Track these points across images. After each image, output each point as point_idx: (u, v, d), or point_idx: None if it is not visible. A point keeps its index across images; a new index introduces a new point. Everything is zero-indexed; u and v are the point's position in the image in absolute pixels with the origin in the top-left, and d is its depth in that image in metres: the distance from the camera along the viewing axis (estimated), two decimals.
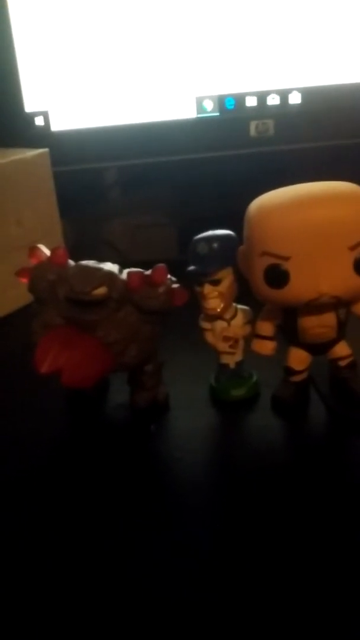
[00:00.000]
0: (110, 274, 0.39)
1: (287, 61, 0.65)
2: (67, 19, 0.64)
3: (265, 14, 0.63)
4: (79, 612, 0.29)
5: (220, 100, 0.66)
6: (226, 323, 0.42)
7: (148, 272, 0.39)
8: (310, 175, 0.39)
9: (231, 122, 0.67)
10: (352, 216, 0.35)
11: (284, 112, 0.66)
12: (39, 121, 0.67)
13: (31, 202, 0.62)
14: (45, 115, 0.67)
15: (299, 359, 0.41)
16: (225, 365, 0.44)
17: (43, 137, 0.67)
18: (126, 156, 0.69)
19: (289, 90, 0.66)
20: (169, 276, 0.39)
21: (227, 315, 0.42)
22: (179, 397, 0.44)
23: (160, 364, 0.43)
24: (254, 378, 0.44)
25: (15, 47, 0.64)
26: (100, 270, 0.39)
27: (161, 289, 0.38)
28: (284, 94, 0.66)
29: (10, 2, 0.63)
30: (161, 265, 0.39)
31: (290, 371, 0.42)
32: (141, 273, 0.39)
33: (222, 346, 0.43)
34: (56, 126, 0.67)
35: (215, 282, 0.40)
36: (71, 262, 0.40)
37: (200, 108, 0.67)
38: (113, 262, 0.40)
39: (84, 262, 0.40)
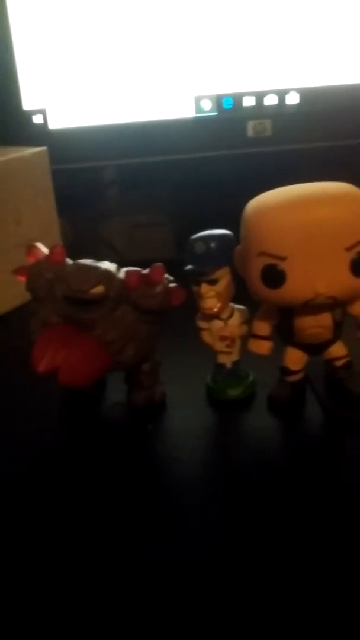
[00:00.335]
0: (107, 272, 0.39)
1: (285, 61, 0.65)
2: (65, 17, 0.64)
3: (263, 14, 0.63)
4: (76, 611, 0.29)
5: (218, 100, 0.67)
6: (223, 322, 0.42)
7: (145, 271, 0.39)
8: (308, 175, 0.39)
9: (229, 121, 0.67)
10: (348, 217, 0.35)
11: (281, 112, 0.67)
12: (37, 119, 0.67)
13: (29, 201, 0.62)
14: (43, 113, 0.67)
15: (295, 359, 0.41)
16: (222, 365, 0.44)
17: (41, 135, 0.67)
18: (124, 155, 0.69)
19: (287, 91, 0.66)
20: (166, 275, 0.39)
21: (224, 315, 0.42)
22: (175, 396, 0.44)
23: (158, 363, 0.43)
24: (251, 378, 0.44)
25: (13, 45, 0.64)
26: (97, 268, 0.39)
27: (158, 288, 0.38)
28: (281, 94, 0.66)
29: (9, 1, 0.63)
30: (159, 264, 0.39)
31: (286, 371, 0.42)
32: (139, 272, 0.39)
33: (219, 346, 0.43)
34: (54, 124, 0.67)
35: (212, 282, 0.41)
36: (69, 261, 0.40)
37: (198, 107, 0.67)
38: (111, 261, 0.40)
39: (82, 261, 0.40)
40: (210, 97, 0.67)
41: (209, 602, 0.28)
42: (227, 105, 0.67)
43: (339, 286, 0.36)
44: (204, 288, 0.41)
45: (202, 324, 0.43)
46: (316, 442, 0.39)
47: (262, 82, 0.66)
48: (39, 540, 0.33)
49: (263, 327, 0.41)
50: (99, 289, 0.38)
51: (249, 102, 0.66)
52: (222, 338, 0.42)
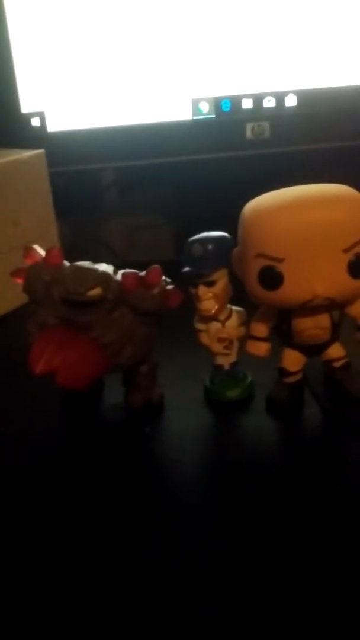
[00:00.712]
0: (105, 274, 0.39)
1: (283, 64, 0.65)
2: (63, 20, 0.64)
3: (261, 16, 0.63)
4: (74, 613, 0.29)
5: (217, 102, 0.67)
6: (221, 324, 0.42)
7: (143, 273, 0.39)
8: (305, 177, 0.39)
9: (227, 124, 0.67)
10: (346, 219, 0.36)
11: (279, 114, 0.67)
12: (35, 122, 0.67)
13: (27, 203, 0.62)
14: (41, 116, 0.67)
15: (293, 360, 0.41)
16: (220, 366, 0.44)
17: (39, 137, 0.67)
18: (122, 157, 0.69)
19: (285, 93, 0.66)
20: (163, 277, 0.39)
21: (222, 317, 0.42)
22: (173, 398, 0.44)
23: (155, 365, 0.43)
24: (249, 379, 0.44)
25: (11, 48, 0.65)
26: (95, 271, 0.39)
27: (156, 290, 0.38)
28: (279, 97, 0.66)
29: (7, 3, 0.63)
30: (156, 266, 0.39)
31: (284, 372, 0.42)
32: (136, 274, 0.39)
33: (217, 347, 0.43)
34: (52, 127, 0.67)
35: (210, 284, 0.41)
36: (66, 263, 0.40)
37: (196, 110, 0.67)
38: (109, 263, 0.40)
39: (79, 263, 0.40)
40: (208, 100, 0.67)
41: (207, 604, 0.28)
42: (225, 107, 0.67)
43: (337, 288, 0.36)
44: (202, 290, 0.41)
45: (199, 326, 0.43)
46: (314, 443, 0.39)
47: (260, 84, 0.66)
48: (36, 541, 0.33)
49: (261, 329, 0.41)
50: (97, 291, 0.38)
51: (247, 104, 0.67)
52: (220, 340, 0.42)
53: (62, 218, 0.68)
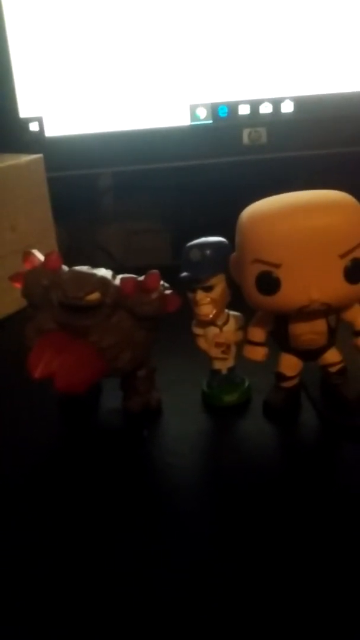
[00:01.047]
0: (103, 279, 0.39)
1: (280, 70, 0.65)
2: (62, 26, 0.64)
3: (258, 23, 0.64)
4: (71, 616, 0.29)
5: (214, 108, 0.67)
6: (218, 329, 0.42)
7: (141, 278, 0.39)
8: (302, 183, 0.39)
9: (224, 129, 0.68)
10: (343, 224, 0.36)
11: (276, 120, 0.67)
12: (33, 127, 0.68)
13: (25, 208, 0.62)
14: (39, 121, 0.67)
15: (290, 365, 0.42)
16: (217, 371, 0.44)
17: (37, 142, 0.67)
18: (120, 162, 0.69)
19: (282, 99, 0.66)
20: (162, 282, 0.39)
21: (220, 321, 0.42)
22: (171, 402, 0.44)
23: (153, 369, 0.43)
24: (246, 384, 0.44)
25: (10, 53, 0.65)
26: (93, 275, 0.39)
27: (154, 295, 0.39)
28: (276, 103, 0.67)
29: (6, 8, 0.64)
30: (154, 271, 0.39)
31: (281, 377, 0.42)
32: (134, 279, 0.39)
33: (215, 352, 0.43)
34: (50, 132, 0.68)
35: (208, 289, 0.41)
36: (65, 268, 0.41)
37: (193, 116, 0.67)
38: (107, 267, 0.41)
39: (78, 268, 0.40)
40: (205, 106, 0.67)
41: (205, 607, 0.28)
42: (222, 113, 0.67)
43: (333, 293, 0.36)
44: (200, 295, 0.41)
45: (197, 331, 0.43)
46: (311, 448, 0.40)
47: (257, 90, 0.66)
48: (33, 545, 0.33)
49: (258, 334, 0.41)
50: (95, 296, 0.38)
51: (244, 110, 0.67)
52: (218, 344, 0.43)
53: (60, 223, 0.68)
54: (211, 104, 0.67)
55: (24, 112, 0.67)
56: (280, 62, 0.65)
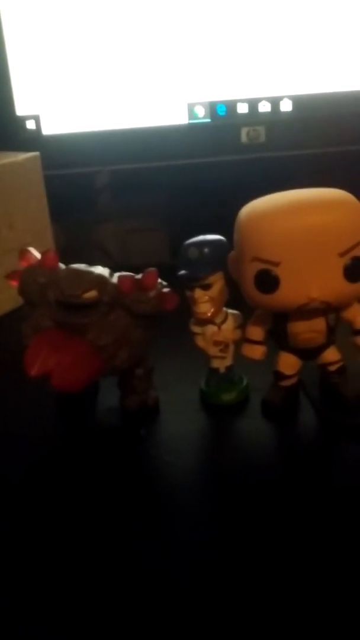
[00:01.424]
0: (101, 277, 0.39)
1: (278, 69, 0.65)
2: (59, 23, 0.64)
3: (257, 21, 0.63)
4: (71, 618, 0.28)
5: (212, 107, 0.67)
6: (217, 327, 0.42)
7: (139, 276, 0.39)
8: (301, 181, 0.39)
9: (222, 128, 0.67)
10: (342, 223, 0.36)
11: (275, 119, 0.67)
12: (30, 125, 0.67)
13: (22, 206, 0.62)
14: (36, 119, 0.67)
15: (288, 363, 0.41)
16: (216, 370, 0.44)
17: (34, 140, 0.67)
18: (117, 161, 0.69)
19: (280, 98, 0.66)
20: (159, 280, 0.39)
21: (218, 320, 0.42)
22: (169, 401, 0.44)
23: (151, 368, 0.43)
24: (244, 382, 0.44)
25: (6, 51, 0.65)
26: (91, 273, 0.39)
27: (152, 293, 0.38)
28: (275, 101, 0.66)
29: (2, 6, 0.63)
30: (152, 269, 0.39)
31: (280, 376, 0.42)
32: (132, 277, 0.39)
33: (213, 350, 0.43)
34: (47, 130, 0.67)
35: (206, 287, 0.41)
36: (62, 266, 0.40)
37: (191, 114, 0.67)
38: (104, 266, 0.40)
39: (75, 266, 0.40)
40: (203, 104, 0.67)
41: (204, 607, 0.28)
42: (220, 112, 0.67)
43: (333, 291, 0.36)
44: (198, 293, 0.41)
45: (195, 329, 0.43)
46: (310, 446, 0.39)
47: (255, 89, 0.66)
48: (30, 543, 0.33)
49: (256, 332, 0.41)
50: (92, 294, 0.38)
51: (242, 109, 0.67)
52: (216, 343, 0.42)
53: (56, 221, 0.68)
54: (209, 102, 0.67)
55: (20, 110, 0.67)
56: (278, 61, 0.65)
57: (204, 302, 0.41)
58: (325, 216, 0.36)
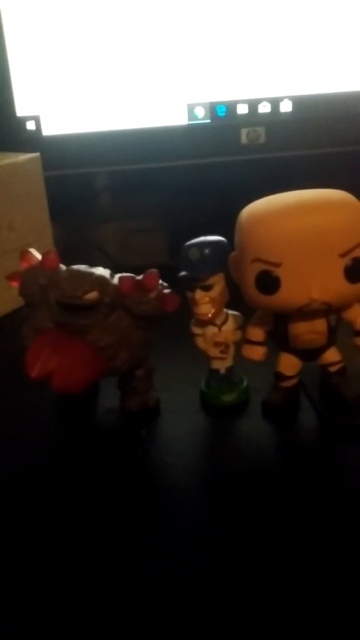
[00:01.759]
0: (101, 278, 0.39)
1: (278, 69, 0.65)
2: (59, 25, 0.64)
3: (256, 22, 0.63)
4: (68, 618, 0.28)
5: (212, 108, 0.67)
6: (217, 328, 0.42)
7: (140, 277, 0.39)
8: (301, 182, 0.39)
9: (222, 129, 0.67)
10: (342, 223, 0.36)
11: (275, 120, 0.67)
12: (30, 126, 0.67)
13: (22, 207, 0.62)
14: (36, 119, 0.67)
15: (289, 364, 0.41)
16: (216, 371, 0.44)
17: (34, 141, 0.67)
18: (117, 162, 0.69)
19: (280, 98, 0.66)
20: (160, 281, 0.39)
21: (218, 321, 0.42)
22: (169, 402, 0.44)
23: (152, 369, 0.43)
24: (245, 383, 0.44)
25: (7, 52, 0.65)
26: (91, 274, 0.39)
27: (152, 294, 0.38)
28: (275, 102, 0.66)
29: (2, 7, 0.63)
30: (153, 270, 0.39)
31: (280, 377, 0.42)
32: (133, 278, 0.39)
33: (213, 351, 0.43)
34: (47, 131, 0.67)
35: (207, 288, 0.41)
36: (62, 267, 0.40)
37: (191, 115, 0.67)
38: (105, 267, 0.40)
39: (76, 267, 0.40)
40: (203, 105, 0.67)
41: (204, 607, 0.28)
42: (220, 112, 0.67)
43: (333, 292, 0.36)
44: (198, 294, 0.41)
45: (196, 330, 0.43)
46: (310, 447, 0.39)
47: (255, 89, 0.66)
48: (30, 544, 0.33)
49: (257, 333, 0.41)
50: (93, 295, 0.38)
51: (242, 109, 0.67)
52: (217, 344, 0.42)
53: (57, 222, 0.68)
54: (209, 103, 0.67)
55: (21, 110, 0.67)
56: (278, 62, 0.65)
57: (205, 303, 0.41)
58: (326, 217, 0.36)
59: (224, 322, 0.42)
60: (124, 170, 0.71)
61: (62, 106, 0.67)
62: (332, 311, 0.38)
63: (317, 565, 0.30)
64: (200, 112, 0.67)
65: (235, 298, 0.41)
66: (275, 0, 0.63)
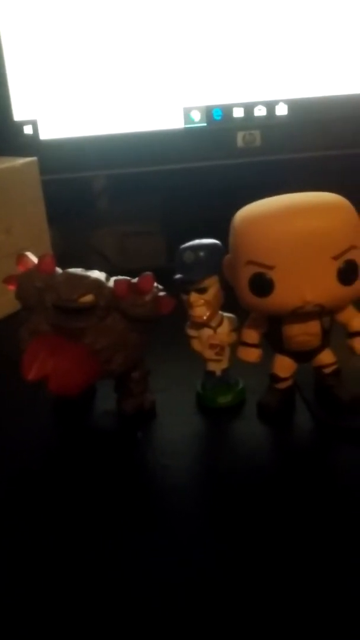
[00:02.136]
0: (97, 281, 0.39)
1: (274, 73, 0.66)
2: (56, 29, 0.64)
3: (252, 26, 0.64)
4: (67, 619, 0.29)
5: (208, 111, 0.67)
6: (212, 331, 0.42)
7: (135, 280, 0.39)
8: (296, 185, 0.39)
9: (218, 132, 0.68)
10: (336, 226, 0.36)
11: (270, 123, 0.67)
12: (27, 130, 0.68)
13: (20, 210, 0.62)
14: (34, 124, 0.67)
15: (284, 366, 0.42)
16: (212, 373, 0.44)
17: (32, 145, 0.67)
18: (114, 165, 0.69)
19: (276, 102, 0.67)
20: (155, 284, 0.40)
21: (213, 323, 0.42)
22: (165, 404, 0.44)
23: (147, 371, 0.43)
24: (240, 385, 0.44)
25: (4, 56, 0.65)
26: (87, 277, 0.39)
27: (147, 297, 0.39)
28: (270, 105, 0.67)
29: (0, 12, 0.64)
30: (147, 273, 0.39)
31: (275, 378, 0.42)
32: (128, 281, 0.39)
33: (209, 353, 0.43)
34: (45, 135, 0.68)
35: (202, 291, 0.41)
36: (58, 270, 0.41)
37: (187, 118, 0.67)
38: (101, 270, 0.41)
39: (71, 270, 0.40)
40: (199, 108, 0.67)
41: (200, 608, 0.28)
42: (216, 116, 0.67)
43: (327, 294, 0.36)
44: (193, 297, 0.41)
45: (191, 332, 0.43)
46: (305, 448, 0.40)
47: (251, 93, 0.66)
48: (28, 546, 0.33)
49: (252, 335, 0.41)
50: (88, 298, 0.38)
51: (238, 113, 0.67)
52: (212, 346, 0.43)
53: (54, 225, 0.68)
54: (205, 106, 0.67)
55: (18, 115, 0.67)
56: (274, 65, 0.65)
57: (200, 306, 0.41)
58: (320, 220, 0.36)
59: (219, 324, 0.42)
60: (121, 174, 0.71)
61: (60, 110, 0.67)
62: (325, 313, 0.39)
63: (314, 565, 0.30)
64: (196, 116, 0.67)
65: (230, 300, 0.41)
66: (271, 4, 0.63)
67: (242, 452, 0.40)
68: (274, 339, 0.41)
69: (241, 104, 0.67)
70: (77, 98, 0.66)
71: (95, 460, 0.40)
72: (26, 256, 0.41)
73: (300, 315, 0.38)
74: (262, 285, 0.36)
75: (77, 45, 0.65)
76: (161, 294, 0.40)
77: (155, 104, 0.67)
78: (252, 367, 0.42)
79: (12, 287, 0.41)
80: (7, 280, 0.41)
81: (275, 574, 0.30)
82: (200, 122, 0.67)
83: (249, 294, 0.37)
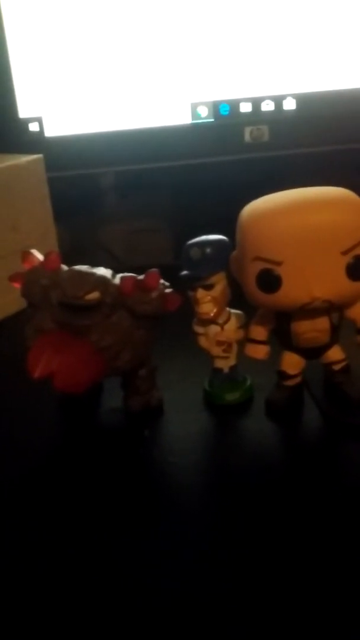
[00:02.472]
0: (103, 278, 0.39)
1: (281, 67, 0.65)
2: (61, 25, 0.64)
3: (259, 20, 0.63)
4: (69, 618, 0.28)
5: (215, 106, 0.67)
6: (219, 327, 0.42)
7: (141, 276, 0.39)
8: (304, 180, 0.39)
9: (226, 128, 0.67)
10: (344, 221, 0.36)
11: (278, 118, 0.67)
12: (33, 127, 0.68)
13: (26, 208, 0.62)
14: (39, 121, 0.67)
15: (292, 363, 0.41)
16: (219, 370, 0.44)
17: (37, 142, 0.67)
18: (121, 162, 0.69)
19: (284, 96, 0.66)
20: (162, 281, 0.39)
21: (221, 320, 0.42)
22: (172, 401, 0.44)
23: (154, 368, 0.43)
24: (248, 382, 0.44)
25: (9, 53, 0.65)
26: (93, 274, 0.39)
27: (154, 294, 0.38)
28: (278, 100, 0.66)
29: (4, 8, 0.64)
30: (154, 270, 0.39)
31: (283, 375, 0.42)
32: (134, 278, 0.39)
33: (216, 350, 0.43)
34: (50, 132, 0.68)
35: (208, 287, 0.41)
36: (64, 267, 0.40)
37: (194, 114, 0.67)
38: (107, 267, 0.40)
39: (77, 267, 0.40)
40: (207, 104, 0.67)
41: (206, 608, 0.28)
42: (224, 111, 0.67)
43: (335, 290, 0.36)
44: (200, 293, 0.41)
45: (198, 329, 0.43)
46: (314, 446, 0.39)
47: (258, 88, 0.66)
48: (33, 544, 0.33)
49: (260, 332, 0.41)
50: (94, 295, 0.38)
51: (245, 108, 0.67)
52: (219, 343, 0.42)
53: (60, 222, 0.68)
54: (212, 102, 0.67)
55: (23, 112, 0.67)
56: (281, 60, 0.65)
57: (207, 302, 0.41)
58: (328, 215, 0.36)
59: (226, 321, 0.42)
60: (127, 171, 0.71)
61: (65, 107, 0.67)
62: (334, 309, 0.38)
63: (322, 563, 0.30)
64: (203, 111, 0.67)
65: (237, 297, 0.41)
66: None
67: (250, 450, 0.39)
68: (282, 335, 0.40)
69: (249, 98, 0.66)
70: (82, 94, 0.66)
71: (102, 458, 0.39)
72: (32, 253, 0.41)
73: (308, 311, 0.37)
74: (269, 281, 0.36)
75: (83, 42, 0.64)
76: (167, 290, 0.39)
77: (162, 99, 0.66)
78: (260, 364, 0.41)
79: (17, 285, 0.41)
80: (13, 277, 0.41)
81: (285, 572, 0.30)
82: (207, 117, 0.67)
83: (257, 290, 0.37)
